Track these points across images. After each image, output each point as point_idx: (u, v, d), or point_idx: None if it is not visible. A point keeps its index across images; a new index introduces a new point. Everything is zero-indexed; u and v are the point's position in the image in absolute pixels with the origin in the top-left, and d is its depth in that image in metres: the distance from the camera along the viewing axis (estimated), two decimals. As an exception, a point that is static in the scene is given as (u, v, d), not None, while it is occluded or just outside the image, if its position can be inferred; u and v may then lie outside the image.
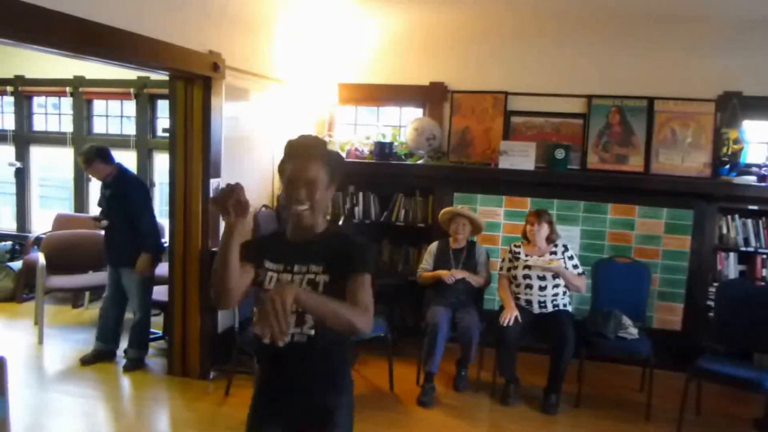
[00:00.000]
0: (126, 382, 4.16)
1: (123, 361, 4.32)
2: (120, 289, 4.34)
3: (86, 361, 4.32)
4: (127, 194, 4.20)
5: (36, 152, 6.42)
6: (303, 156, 1.80)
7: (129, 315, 4.43)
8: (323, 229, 1.88)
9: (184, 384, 4.06)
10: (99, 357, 4.36)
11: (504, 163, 4.73)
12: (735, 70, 4.52)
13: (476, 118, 5.00)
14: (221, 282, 1.73)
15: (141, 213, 4.22)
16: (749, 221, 4.49)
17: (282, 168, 1.85)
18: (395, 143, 5.11)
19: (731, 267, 4.53)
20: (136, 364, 4.31)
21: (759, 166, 4.54)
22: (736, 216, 4.51)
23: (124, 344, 4.39)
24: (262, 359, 1.98)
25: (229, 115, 4.16)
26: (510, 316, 3.89)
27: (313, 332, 1.80)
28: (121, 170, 4.31)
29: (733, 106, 4.48)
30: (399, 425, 3.61)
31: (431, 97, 5.10)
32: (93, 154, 4.17)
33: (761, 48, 4.46)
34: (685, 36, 4.57)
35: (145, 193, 4.40)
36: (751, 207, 4.44)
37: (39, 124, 6.43)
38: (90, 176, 4.22)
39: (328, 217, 1.85)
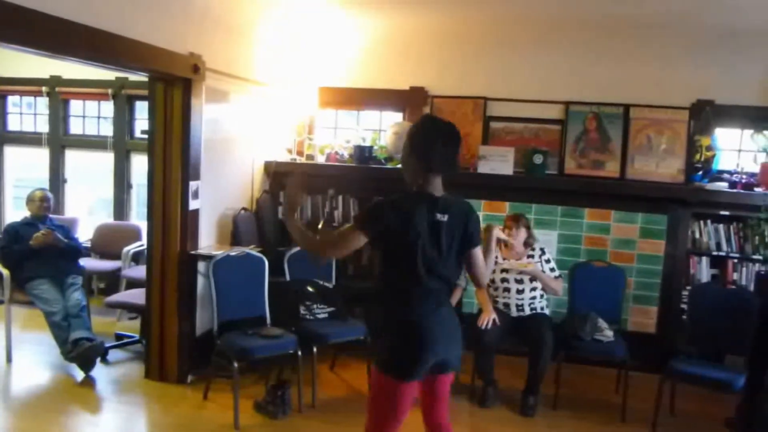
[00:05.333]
0: (101, 386, 4.09)
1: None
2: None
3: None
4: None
5: (10, 152, 6.32)
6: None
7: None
8: None
9: (161, 388, 4.02)
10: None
11: (483, 168, 4.78)
12: (708, 79, 4.63)
13: (456, 123, 4.97)
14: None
15: None
16: (721, 226, 4.59)
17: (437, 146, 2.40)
18: (375, 147, 5.13)
19: (704, 271, 4.63)
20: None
21: (730, 173, 4.66)
22: (709, 221, 4.61)
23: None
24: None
25: (209, 118, 4.14)
26: (488, 319, 3.93)
27: None
28: None
29: (706, 114, 4.59)
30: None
31: (411, 101, 5.13)
32: None
33: (733, 58, 4.57)
34: (661, 45, 4.67)
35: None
36: (722, 212, 4.54)
37: (14, 123, 6.32)
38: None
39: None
